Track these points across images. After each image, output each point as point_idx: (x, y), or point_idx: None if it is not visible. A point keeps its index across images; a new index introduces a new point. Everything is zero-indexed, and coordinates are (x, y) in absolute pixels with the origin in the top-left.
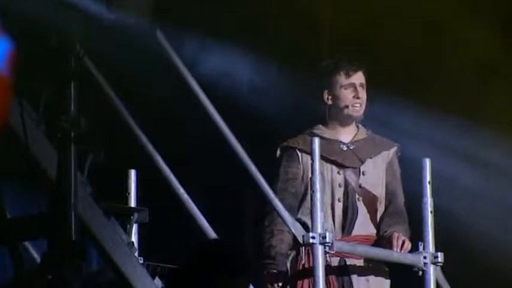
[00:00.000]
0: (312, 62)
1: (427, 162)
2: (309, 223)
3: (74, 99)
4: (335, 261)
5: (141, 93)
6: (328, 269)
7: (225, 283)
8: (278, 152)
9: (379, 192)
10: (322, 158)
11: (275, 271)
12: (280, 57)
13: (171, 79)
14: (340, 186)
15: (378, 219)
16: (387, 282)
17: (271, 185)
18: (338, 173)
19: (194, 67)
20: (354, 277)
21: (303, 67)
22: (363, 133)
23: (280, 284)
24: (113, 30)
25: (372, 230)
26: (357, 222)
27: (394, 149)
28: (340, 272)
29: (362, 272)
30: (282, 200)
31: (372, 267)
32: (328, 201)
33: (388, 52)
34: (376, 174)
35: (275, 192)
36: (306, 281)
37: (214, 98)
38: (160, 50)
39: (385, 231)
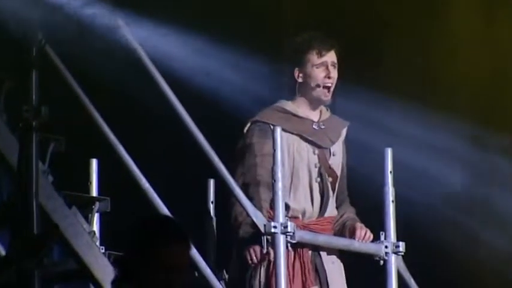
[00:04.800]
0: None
1: (389, 152)
2: (292, 206)
3: (36, 89)
4: (308, 245)
5: (103, 82)
6: (303, 253)
7: (158, 251)
8: (248, 126)
9: (339, 172)
10: (299, 136)
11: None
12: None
13: (134, 68)
14: (315, 166)
15: (335, 200)
16: (342, 265)
17: (238, 161)
18: (313, 153)
19: (153, 54)
20: (324, 258)
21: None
22: (326, 111)
23: (258, 259)
24: (74, 18)
25: (336, 212)
26: (328, 203)
27: (346, 127)
28: (312, 255)
29: (329, 253)
30: (259, 176)
31: (334, 249)
32: (306, 181)
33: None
34: (339, 154)
35: (248, 166)
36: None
37: (175, 86)
38: (121, 38)
39: (342, 216)
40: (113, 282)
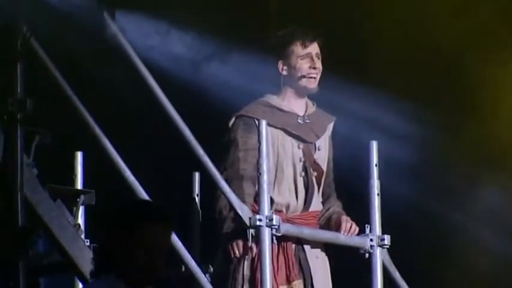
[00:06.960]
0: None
1: (374, 145)
2: (276, 200)
3: (21, 81)
4: (292, 239)
5: (89, 74)
6: (286, 246)
7: (139, 230)
8: (232, 120)
9: (325, 167)
10: (284, 130)
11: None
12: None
13: (120, 60)
14: (300, 160)
15: (321, 195)
16: (327, 258)
17: (222, 156)
18: (298, 147)
19: (138, 47)
20: (308, 253)
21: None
22: (312, 106)
23: (241, 252)
24: (59, 10)
25: (321, 206)
26: (313, 197)
27: (333, 122)
28: (296, 249)
29: (313, 247)
30: (243, 170)
31: (319, 244)
32: (290, 175)
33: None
34: (325, 149)
35: (232, 160)
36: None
37: (158, 77)
38: (107, 31)
39: (328, 210)
40: (92, 274)
